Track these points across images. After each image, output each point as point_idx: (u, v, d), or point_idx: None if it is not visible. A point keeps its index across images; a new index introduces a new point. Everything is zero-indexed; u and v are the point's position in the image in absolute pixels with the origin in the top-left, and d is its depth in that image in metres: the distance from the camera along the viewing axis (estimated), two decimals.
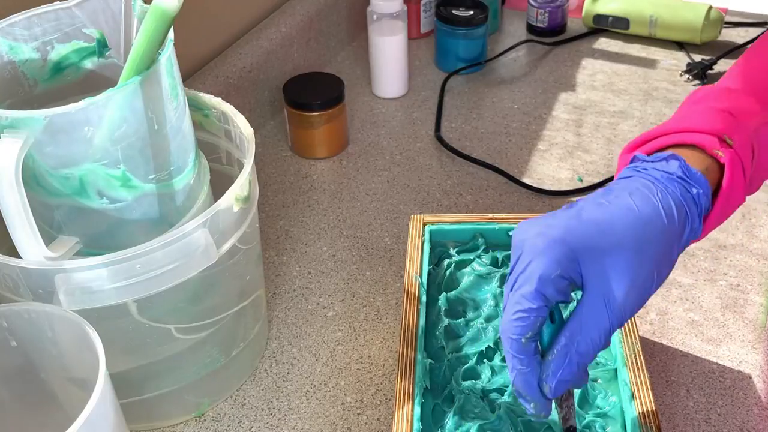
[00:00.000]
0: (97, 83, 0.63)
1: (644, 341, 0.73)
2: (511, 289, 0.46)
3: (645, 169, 0.49)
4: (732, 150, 0.50)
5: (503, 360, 0.60)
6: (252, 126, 0.66)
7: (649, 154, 0.51)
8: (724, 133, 0.50)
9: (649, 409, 0.54)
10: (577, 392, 0.57)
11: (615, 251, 0.45)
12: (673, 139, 0.51)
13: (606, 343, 0.46)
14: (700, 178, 0.49)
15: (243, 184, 0.60)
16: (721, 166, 0.50)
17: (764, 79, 0.55)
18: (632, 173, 0.50)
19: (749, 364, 0.71)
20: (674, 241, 0.47)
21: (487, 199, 0.91)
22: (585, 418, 0.56)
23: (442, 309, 0.64)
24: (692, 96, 0.56)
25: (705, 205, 0.49)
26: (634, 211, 0.46)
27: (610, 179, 0.92)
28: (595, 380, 0.58)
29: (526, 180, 0.93)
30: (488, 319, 0.63)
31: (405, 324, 0.61)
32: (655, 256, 0.46)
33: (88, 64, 0.64)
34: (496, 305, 0.64)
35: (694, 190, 0.48)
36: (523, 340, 0.46)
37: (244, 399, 0.70)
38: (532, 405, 0.47)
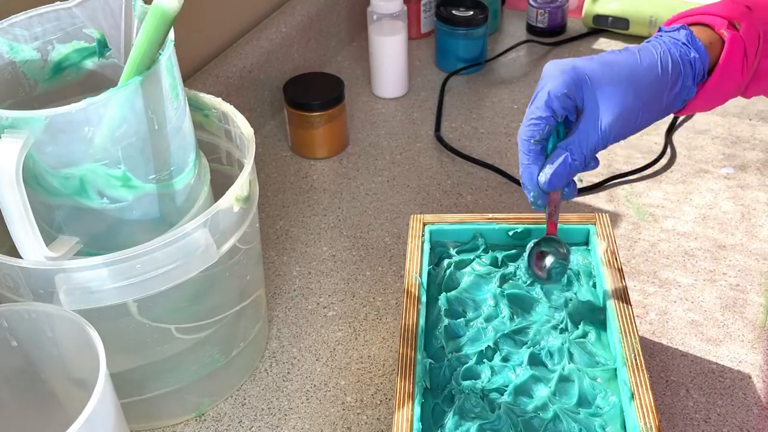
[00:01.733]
0: (97, 83, 0.63)
1: (644, 341, 0.73)
2: (531, 104, 0.58)
3: (661, 35, 0.60)
4: (737, 32, 0.58)
5: (503, 360, 0.60)
6: (252, 126, 0.66)
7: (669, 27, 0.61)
8: (734, 19, 0.59)
9: (649, 409, 0.54)
10: (576, 392, 0.57)
11: (612, 85, 0.56)
12: (692, 18, 0.61)
13: (591, 155, 0.57)
14: (700, 47, 0.58)
15: (243, 184, 0.60)
16: (724, 44, 0.59)
17: None
18: (652, 39, 0.60)
19: (749, 364, 0.71)
20: (665, 89, 0.57)
21: (487, 199, 0.91)
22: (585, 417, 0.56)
23: (442, 309, 0.64)
24: None
25: (699, 70, 0.58)
26: (636, 59, 0.57)
27: (610, 179, 0.93)
28: (595, 380, 0.58)
29: None
30: (488, 319, 0.63)
31: (405, 324, 0.61)
32: (645, 96, 0.57)
33: (89, 64, 0.64)
34: (496, 305, 0.64)
35: (692, 54, 0.58)
36: (532, 141, 0.57)
37: (245, 399, 0.70)
38: (531, 194, 0.59)
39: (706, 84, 0.59)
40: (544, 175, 0.58)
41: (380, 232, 0.87)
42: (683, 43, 0.58)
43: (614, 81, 0.56)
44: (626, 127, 0.57)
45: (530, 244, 0.63)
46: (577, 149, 0.57)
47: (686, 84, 0.58)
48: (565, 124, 0.59)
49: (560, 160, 0.57)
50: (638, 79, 0.57)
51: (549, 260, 0.61)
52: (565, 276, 0.66)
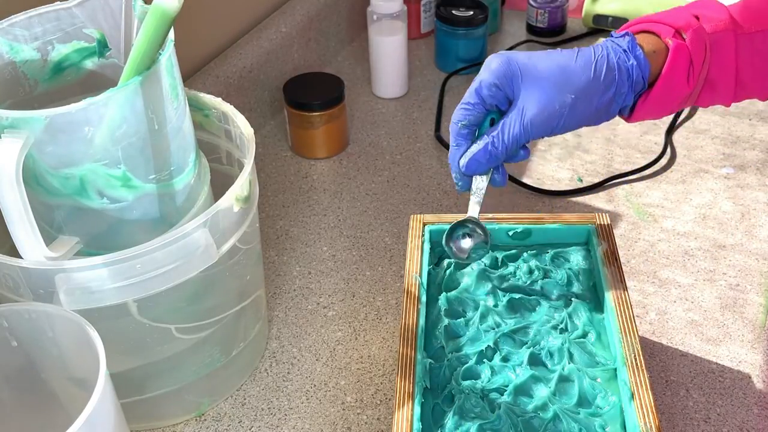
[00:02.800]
0: (97, 83, 0.63)
1: (644, 341, 0.73)
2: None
3: (606, 40, 0.60)
4: (682, 42, 0.59)
5: (503, 360, 0.60)
6: (252, 126, 0.66)
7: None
8: (681, 28, 0.59)
9: (649, 409, 0.54)
10: (576, 392, 0.57)
11: (542, 81, 0.58)
12: (641, 26, 0.61)
13: (513, 145, 0.58)
14: (639, 55, 0.59)
15: (243, 184, 0.60)
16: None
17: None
18: (598, 43, 0.61)
19: (749, 364, 0.71)
20: (595, 93, 0.58)
21: (487, 199, 0.90)
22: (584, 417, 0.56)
23: (442, 309, 0.64)
24: (692, 2, 0.63)
25: (637, 77, 0.59)
26: (572, 60, 0.58)
27: (610, 179, 0.93)
28: (595, 380, 0.58)
29: (526, 180, 0.93)
30: (488, 319, 0.63)
31: (405, 324, 0.61)
32: (573, 95, 0.58)
33: (89, 64, 0.64)
34: (496, 305, 0.64)
35: (630, 61, 0.59)
36: (459, 125, 0.59)
37: (245, 399, 0.70)
38: (454, 175, 0.61)
39: (650, 92, 0.59)
40: (464, 158, 0.60)
41: (380, 232, 0.87)
42: (623, 50, 0.59)
43: (543, 76, 0.57)
44: (550, 123, 0.58)
45: (451, 225, 0.63)
46: (499, 138, 0.58)
47: (621, 91, 0.59)
48: (500, 112, 0.60)
49: (481, 145, 0.59)
50: (568, 78, 0.57)
51: (468, 243, 0.63)
52: (565, 275, 0.66)
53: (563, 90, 0.57)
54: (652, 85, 0.60)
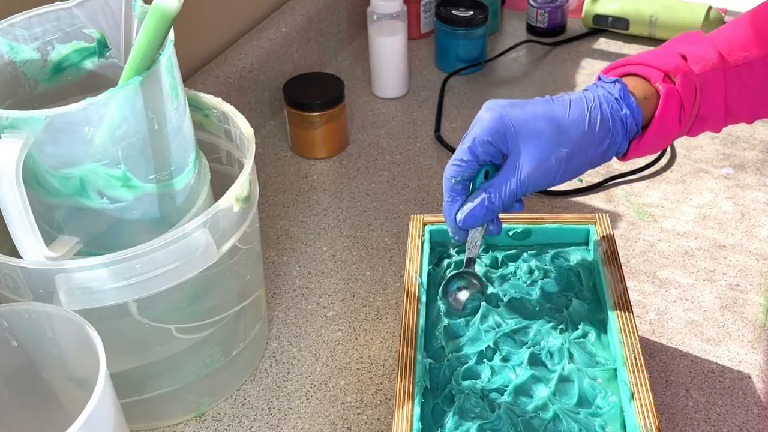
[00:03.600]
0: (97, 83, 0.63)
1: (644, 341, 0.73)
2: (460, 144, 0.60)
3: (597, 86, 0.60)
4: (673, 86, 0.59)
5: (503, 360, 0.60)
6: (252, 126, 0.66)
7: (608, 76, 0.62)
8: (670, 71, 0.59)
9: (649, 409, 0.54)
10: (576, 392, 0.57)
11: (536, 137, 0.57)
12: (631, 69, 0.61)
13: (510, 200, 0.59)
14: (632, 103, 0.59)
15: (243, 184, 0.60)
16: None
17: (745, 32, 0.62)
18: (590, 87, 0.61)
19: (748, 364, 0.71)
20: (590, 146, 0.58)
21: None
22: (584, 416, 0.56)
23: (442, 309, 0.64)
24: (677, 37, 0.64)
25: (631, 126, 0.59)
26: (565, 113, 0.58)
27: (610, 179, 0.93)
28: (595, 380, 0.58)
29: None
30: (488, 319, 0.63)
31: (405, 324, 0.61)
32: (568, 149, 0.58)
33: (89, 64, 0.64)
34: (496, 305, 0.64)
35: (624, 111, 0.58)
36: (453, 181, 0.60)
37: (245, 399, 0.70)
38: (450, 229, 0.62)
39: (642, 138, 0.59)
40: (461, 213, 0.60)
41: (380, 232, 0.87)
42: (616, 99, 0.58)
43: (537, 133, 0.57)
44: (546, 177, 0.58)
45: (448, 276, 0.64)
46: (495, 193, 0.59)
47: (615, 140, 0.59)
48: (494, 165, 0.60)
49: (477, 201, 0.59)
50: (563, 132, 0.57)
51: (464, 295, 0.64)
52: (565, 275, 0.66)
53: (558, 145, 0.57)
54: (645, 128, 0.60)
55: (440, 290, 0.64)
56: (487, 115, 0.58)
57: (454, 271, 0.65)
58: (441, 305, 0.64)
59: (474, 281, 0.64)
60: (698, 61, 0.59)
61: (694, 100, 0.59)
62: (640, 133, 0.60)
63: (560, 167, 0.58)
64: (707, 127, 0.62)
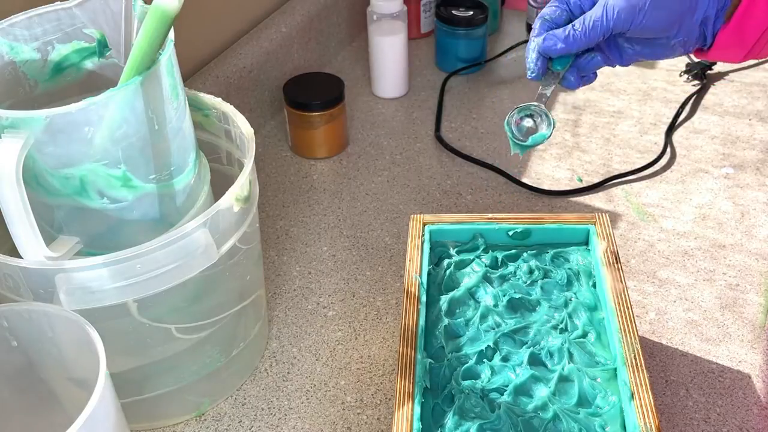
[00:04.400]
0: (97, 83, 0.63)
1: (644, 341, 0.73)
2: None
3: None
4: None
5: (503, 360, 0.60)
6: (252, 126, 0.66)
7: None
8: None
9: (649, 409, 0.54)
10: (576, 392, 0.57)
11: None
12: None
13: (591, 34, 0.59)
14: None
15: (243, 184, 0.60)
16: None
17: None
18: None
19: (748, 364, 0.71)
20: (688, 6, 0.58)
21: (487, 199, 0.91)
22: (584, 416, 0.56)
23: (442, 309, 0.64)
24: None
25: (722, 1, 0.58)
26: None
27: (610, 179, 0.93)
28: (594, 380, 0.58)
29: (525, 180, 0.93)
30: (488, 319, 0.63)
31: (405, 324, 0.61)
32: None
33: (89, 64, 0.64)
34: (496, 305, 0.64)
35: None
36: (543, 19, 0.61)
37: (245, 399, 0.70)
38: (529, 60, 0.62)
39: (728, 26, 0.59)
40: (548, 41, 0.60)
41: (380, 232, 0.87)
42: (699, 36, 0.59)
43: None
44: (631, 14, 0.58)
45: (516, 108, 0.65)
46: (581, 21, 0.59)
47: (709, 12, 0.58)
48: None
49: (565, 30, 0.60)
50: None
51: (529, 122, 0.64)
52: (565, 275, 0.66)
53: None
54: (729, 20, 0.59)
55: (507, 117, 0.64)
56: None
57: (524, 104, 0.64)
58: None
59: (543, 116, 0.64)
60: None
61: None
62: (725, 23, 0.59)
63: (646, 13, 0.58)
64: None
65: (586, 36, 0.59)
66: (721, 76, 1.11)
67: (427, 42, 1.21)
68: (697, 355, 0.72)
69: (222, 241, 0.59)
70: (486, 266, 0.68)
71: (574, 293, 0.65)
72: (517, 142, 0.64)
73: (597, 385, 0.58)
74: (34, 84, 0.62)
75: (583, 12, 0.61)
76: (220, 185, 0.66)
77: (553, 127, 0.64)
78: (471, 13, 1.10)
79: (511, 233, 0.69)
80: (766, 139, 0.98)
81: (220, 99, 0.68)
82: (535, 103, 0.63)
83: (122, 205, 0.57)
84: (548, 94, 0.63)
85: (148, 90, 0.54)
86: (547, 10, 0.61)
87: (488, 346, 0.61)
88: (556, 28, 0.61)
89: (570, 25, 0.60)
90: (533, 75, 0.62)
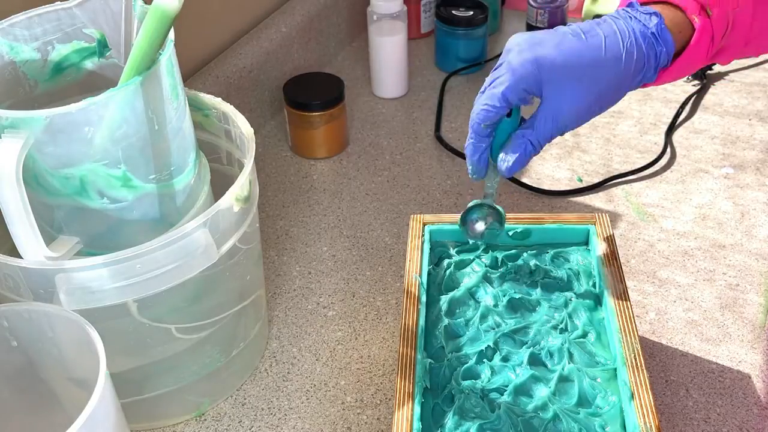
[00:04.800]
0: (97, 83, 0.63)
1: (644, 341, 0.73)
2: (489, 85, 0.58)
3: (630, 17, 0.58)
4: (708, 20, 0.57)
5: (503, 360, 0.60)
6: (252, 126, 0.66)
7: (643, 4, 0.59)
8: (707, 3, 0.57)
9: (649, 409, 0.54)
10: (576, 392, 0.57)
11: (572, 83, 0.57)
12: None
13: (547, 142, 0.59)
14: (668, 39, 0.57)
15: (243, 184, 0.60)
16: (693, 30, 0.58)
17: None
18: (621, 15, 0.58)
19: (748, 364, 0.71)
20: (624, 84, 0.58)
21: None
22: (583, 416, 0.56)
23: (442, 309, 0.64)
24: None
25: (663, 61, 0.58)
26: (601, 54, 0.56)
27: (610, 179, 0.93)
28: (594, 380, 0.58)
29: (525, 180, 0.93)
30: (488, 319, 0.63)
31: (405, 324, 0.61)
32: (604, 93, 0.58)
33: (89, 64, 0.64)
34: (496, 305, 0.64)
35: (659, 49, 0.57)
36: (483, 125, 0.59)
37: (245, 399, 0.70)
38: (471, 168, 0.62)
39: (668, 69, 0.58)
40: (506, 163, 0.60)
41: (380, 232, 0.87)
42: (653, 33, 0.57)
43: (575, 77, 0.56)
44: (582, 118, 0.58)
45: (468, 206, 0.67)
46: (536, 139, 0.59)
47: (647, 75, 0.58)
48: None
49: (520, 150, 0.59)
50: (600, 74, 0.56)
51: (481, 225, 0.67)
52: (565, 275, 0.66)
53: (596, 87, 0.57)
54: (674, 56, 0.59)
55: (459, 219, 0.66)
56: (519, 59, 0.56)
57: (474, 202, 0.66)
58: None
59: (493, 212, 0.66)
60: None
61: (724, 34, 0.58)
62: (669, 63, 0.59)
63: (595, 106, 0.58)
64: (720, 59, 0.61)
65: (541, 148, 0.60)
66: (721, 76, 1.11)
67: (427, 42, 1.21)
68: (697, 355, 0.72)
69: (222, 241, 0.59)
70: (486, 266, 0.67)
71: (574, 293, 0.65)
72: (473, 241, 0.68)
73: (597, 385, 0.58)
74: (34, 84, 0.62)
75: (522, 104, 0.59)
76: (220, 185, 0.66)
77: (504, 219, 0.66)
78: (471, 13, 1.10)
79: (511, 233, 0.69)
80: (766, 139, 0.98)
81: (220, 99, 0.68)
82: (487, 202, 0.65)
83: (122, 205, 0.57)
84: (494, 192, 0.64)
85: (148, 90, 0.54)
86: (482, 115, 0.58)
87: (488, 346, 0.61)
88: (493, 128, 0.60)
89: (527, 145, 0.59)
90: (477, 176, 0.62)
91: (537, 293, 0.65)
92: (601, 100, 0.58)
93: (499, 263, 0.68)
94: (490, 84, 0.58)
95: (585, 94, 0.57)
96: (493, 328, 0.62)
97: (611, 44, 0.56)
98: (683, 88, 1.08)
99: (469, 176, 0.63)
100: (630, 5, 0.59)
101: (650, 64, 0.57)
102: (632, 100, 1.07)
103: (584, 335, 0.62)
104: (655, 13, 0.57)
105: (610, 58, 0.56)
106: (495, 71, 0.58)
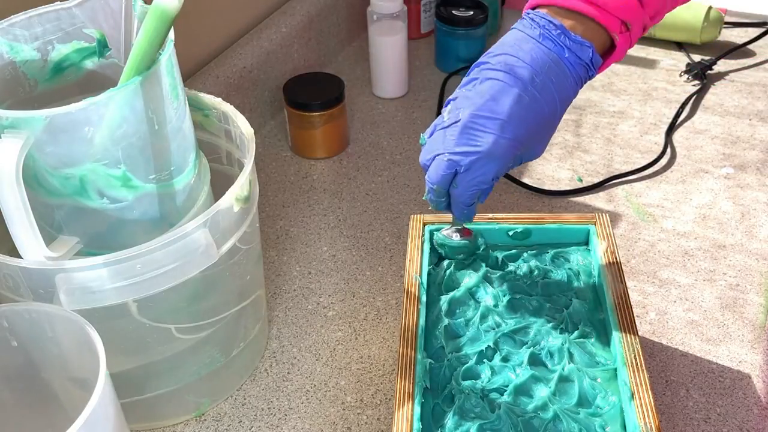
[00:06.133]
0: (97, 83, 0.63)
1: (644, 341, 0.73)
2: (462, 169, 0.58)
3: (564, 48, 0.57)
4: (627, 34, 0.58)
5: (503, 360, 0.60)
6: (252, 126, 0.66)
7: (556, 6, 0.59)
8: (627, 19, 0.57)
9: (649, 409, 0.54)
10: (576, 392, 0.57)
11: (532, 143, 0.59)
12: (587, 9, 0.57)
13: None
14: (598, 61, 0.58)
15: (243, 184, 0.60)
16: (611, 39, 0.59)
17: None
18: (544, 42, 0.58)
19: (749, 364, 0.71)
20: (558, 117, 0.59)
21: (487, 199, 0.90)
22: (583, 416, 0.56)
23: (442, 309, 0.64)
24: None
25: (585, 79, 0.59)
26: (545, 114, 0.57)
27: (609, 179, 0.92)
28: (595, 380, 0.58)
29: (525, 180, 0.93)
30: (488, 319, 0.63)
31: (405, 324, 0.61)
32: (547, 134, 0.60)
33: (89, 64, 0.64)
34: (496, 305, 0.64)
35: (590, 73, 0.58)
36: (469, 203, 0.61)
37: (245, 399, 0.70)
38: (434, 206, 0.62)
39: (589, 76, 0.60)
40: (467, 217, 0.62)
41: (380, 232, 0.87)
42: (585, 65, 0.58)
43: (534, 140, 0.59)
44: (511, 164, 0.60)
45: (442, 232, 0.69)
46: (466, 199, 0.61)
47: (571, 98, 0.59)
48: None
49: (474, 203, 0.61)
50: (546, 129, 0.59)
51: (456, 236, 0.68)
52: (565, 275, 0.66)
53: (544, 138, 0.60)
54: None
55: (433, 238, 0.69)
56: (501, 149, 0.57)
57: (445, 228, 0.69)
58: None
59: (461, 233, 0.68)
60: (652, 5, 0.58)
61: (642, 32, 0.60)
62: None
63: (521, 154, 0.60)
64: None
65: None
66: (721, 76, 1.11)
67: (427, 42, 1.21)
68: (697, 355, 0.72)
69: (222, 241, 0.59)
70: (486, 266, 0.67)
71: (574, 293, 0.65)
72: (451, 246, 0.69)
73: (597, 385, 0.58)
74: (34, 84, 0.62)
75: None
76: (220, 185, 0.66)
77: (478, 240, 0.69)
78: (471, 13, 1.10)
79: (511, 233, 0.69)
80: (766, 139, 0.98)
81: (220, 99, 0.68)
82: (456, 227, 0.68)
83: (122, 205, 0.57)
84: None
85: (148, 90, 0.54)
86: (472, 196, 0.60)
87: (488, 346, 0.61)
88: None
89: (466, 202, 0.60)
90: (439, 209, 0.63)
91: (537, 293, 0.65)
92: (546, 140, 0.60)
93: (499, 263, 0.68)
94: (461, 169, 0.58)
95: (541, 141, 0.60)
96: (494, 328, 0.62)
97: (547, 100, 0.57)
98: (684, 88, 1.08)
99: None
100: (550, 24, 0.58)
101: (577, 89, 0.59)
102: (633, 101, 1.07)
103: (584, 335, 0.62)
104: (588, 45, 0.57)
105: (551, 112, 0.58)
106: (459, 142, 0.58)
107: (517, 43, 0.59)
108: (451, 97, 0.60)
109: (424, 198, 0.63)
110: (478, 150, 0.57)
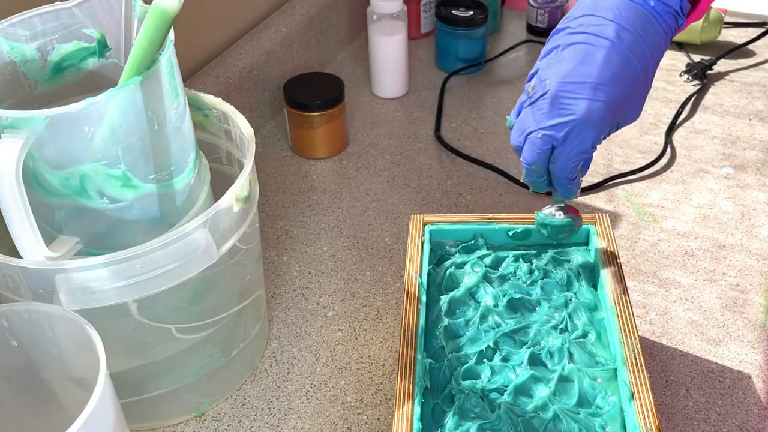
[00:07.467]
0: (97, 83, 0.63)
1: (644, 341, 0.73)
2: (559, 142, 0.56)
3: (659, 16, 0.55)
4: None
5: (503, 360, 0.60)
6: (252, 126, 0.66)
7: None
8: None
9: (649, 409, 0.54)
10: (576, 392, 0.57)
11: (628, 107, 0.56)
12: None
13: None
14: (686, 6, 0.55)
15: (243, 184, 0.60)
16: None
17: None
18: (652, 16, 0.55)
19: (749, 364, 0.71)
20: (651, 73, 0.56)
21: (487, 199, 0.91)
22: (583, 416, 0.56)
23: (442, 309, 0.64)
24: None
25: (678, 27, 0.57)
26: (638, 70, 0.54)
27: (610, 179, 0.92)
28: (595, 380, 0.58)
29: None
30: (488, 319, 0.63)
31: (405, 324, 0.61)
32: (643, 93, 0.57)
33: (89, 64, 0.64)
34: (496, 305, 0.64)
35: (680, 22, 0.56)
36: (572, 176, 0.58)
37: (245, 399, 0.70)
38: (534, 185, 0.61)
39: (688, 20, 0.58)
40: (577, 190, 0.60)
41: (380, 232, 0.87)
42: (674, 13, 0.55)
43: (629, 100, 0.56)
44: (612, 123, 0.58)
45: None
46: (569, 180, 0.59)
47: (663, 50, 0.57)
48: None
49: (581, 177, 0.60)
50: (641, 85, 0.56)
51: (560, 214, 0.65)
52: (565, 275, 0.66)
53: (638, 102, 0.57)
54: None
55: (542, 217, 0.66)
56: (599, 114, 0.54)
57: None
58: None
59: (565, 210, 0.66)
60: None
61: None
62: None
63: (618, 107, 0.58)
64: None
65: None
66: (721, 76, 1.11)
67: (427, 42, 1.21)
68: (697, 355, 0.72)
69: (222, 241, 0.59)
70: (486, 266, 0.67)
71: (574, 293, 0.65)
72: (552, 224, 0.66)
73: (597, 385, 0.58)
74: (34, 84, 0.62)
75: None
76: (220, 185, 0.66)
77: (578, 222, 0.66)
78: (471, 13, 1.10)
79: (511, 233, 0.69)
80: (766, 139, 0.98)
81: (220, 99, 0.68)
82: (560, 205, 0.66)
83: (122, 205, 0.57)
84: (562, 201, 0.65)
85: (148, 90, 0.54)
86: (574, 166, 0.57)
87: (488, 346, 0.61)
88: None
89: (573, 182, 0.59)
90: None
91: (537, 293, 0.65)
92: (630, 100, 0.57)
93: (500, 263, 0.68)
94: (577, 135, 0.56)
95: (636, 112, 0.58)
96: (493, 328, 0.62)
97: (650, 57, 0.55)
98: (683, 88, 1.08)
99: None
100: None
101: (668, 40, 0.56)
102: None
103: (584, 335, 0.62)
104: (680, 13, 0.55)
105: (647, 81, 0.56)
106: (551, 115, 0.55)
107: (596, 2, 0.55)
108: (532, 71, 0.58)
109: (522, 180, 0.61)
110: (573, 119, 0.54)
